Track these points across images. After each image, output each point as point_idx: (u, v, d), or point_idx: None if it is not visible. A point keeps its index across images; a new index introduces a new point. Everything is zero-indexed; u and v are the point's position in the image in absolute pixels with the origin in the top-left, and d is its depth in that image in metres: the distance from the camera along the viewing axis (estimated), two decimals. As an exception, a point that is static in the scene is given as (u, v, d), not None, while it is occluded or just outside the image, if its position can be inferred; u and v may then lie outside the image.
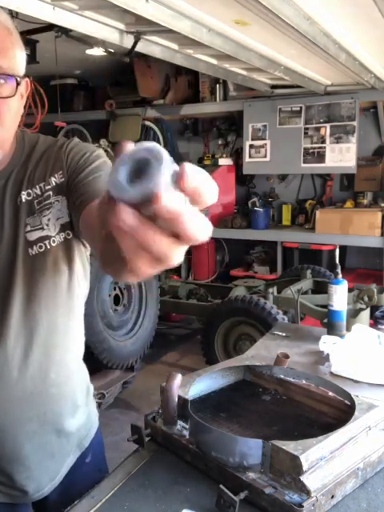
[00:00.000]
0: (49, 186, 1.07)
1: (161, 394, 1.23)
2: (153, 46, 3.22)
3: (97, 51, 4.12)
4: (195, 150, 6.01)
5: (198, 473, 1.10)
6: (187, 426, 1.19)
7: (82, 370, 1.27)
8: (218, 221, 5.31)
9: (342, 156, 4.84)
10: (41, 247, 1.05)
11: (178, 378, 1.21)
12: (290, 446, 1.00)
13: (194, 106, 5.52)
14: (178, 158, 6.13)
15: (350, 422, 1.10)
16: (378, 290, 3.35)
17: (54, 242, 1.06)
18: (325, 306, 2.93)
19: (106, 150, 5.69)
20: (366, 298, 3.27)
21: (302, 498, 0.95)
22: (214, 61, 3.67)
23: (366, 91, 4.52)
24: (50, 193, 1.07)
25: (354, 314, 3.19)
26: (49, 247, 1.05)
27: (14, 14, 2.98)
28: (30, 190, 1.07)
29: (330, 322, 1.93)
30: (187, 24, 2.58)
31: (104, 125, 5.79)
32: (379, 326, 2.39)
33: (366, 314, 3.27)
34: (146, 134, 5.84)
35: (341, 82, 4.43)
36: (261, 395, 1.37)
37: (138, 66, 5.29)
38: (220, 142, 5.83)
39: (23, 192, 1.06)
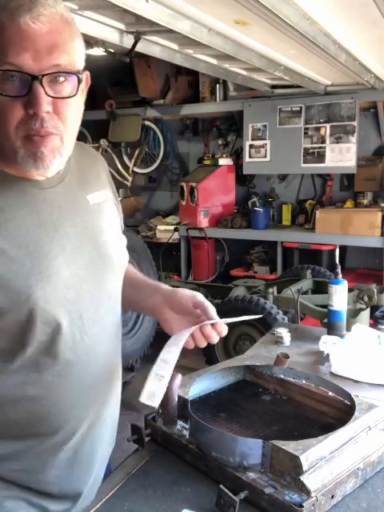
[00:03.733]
0: (106, 196, 1.12)
1: (161, 393, 1.23)
2: (153, 46, 3.22)
3: (97, 51, 4.11)
4: (195, 150, 6.00)
5: (198, 473, 1.10)
6: (187, 426, 1.19)
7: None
8: (218, 221, 5.30)
9: (341, 156, 4.84)
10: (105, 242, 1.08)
11: (178, 378, 1.21)
12: (289, 446, 1.00)
13: (193, 105, 5.51)
14: (178, 158, 6.13)
15: (350, 422, 1.10)
16: (378, 290, 3.35)
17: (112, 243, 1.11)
18: (325, 306, 2.93)
19: (105, 150, 5.70)
20: (365, 298, 3.27)
21: (302, 498, 0.95)
22: (213, 61, 3.67)
23: (366, 91, 4.51)
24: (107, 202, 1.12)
25: (354, 314, 3.19)
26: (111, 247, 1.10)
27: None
28: (92, 194, 1.06)
29: (330, 322, 1.93)
30: (187, 24, 2.58)
31: (104, 125, 5.78)
32: (379, 326, 2.38)
33: (366, 314, 3.27)
34: (146, 134, 5.83)
35: (341, 82, 4.42)
36: (261, 395, 1.37)
37: (138, 66, 5.28)
38: (220, 142, 5.81)
39: (88, 195, 1.06)
